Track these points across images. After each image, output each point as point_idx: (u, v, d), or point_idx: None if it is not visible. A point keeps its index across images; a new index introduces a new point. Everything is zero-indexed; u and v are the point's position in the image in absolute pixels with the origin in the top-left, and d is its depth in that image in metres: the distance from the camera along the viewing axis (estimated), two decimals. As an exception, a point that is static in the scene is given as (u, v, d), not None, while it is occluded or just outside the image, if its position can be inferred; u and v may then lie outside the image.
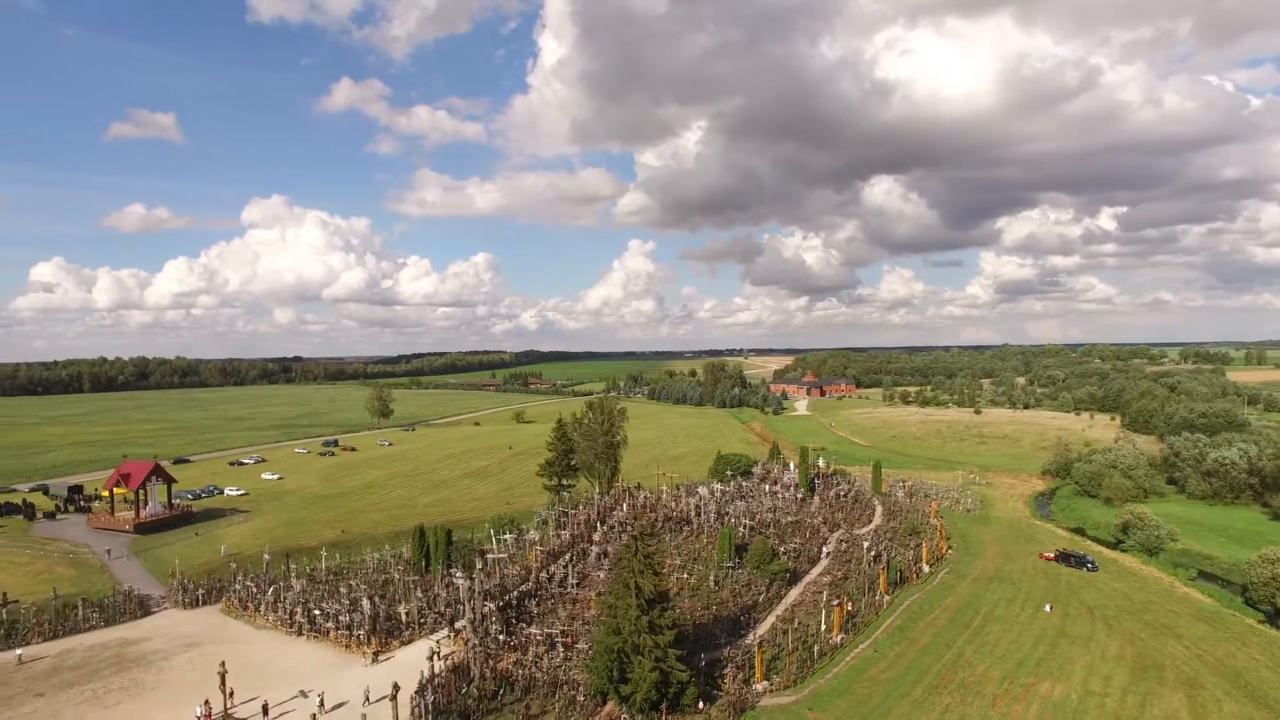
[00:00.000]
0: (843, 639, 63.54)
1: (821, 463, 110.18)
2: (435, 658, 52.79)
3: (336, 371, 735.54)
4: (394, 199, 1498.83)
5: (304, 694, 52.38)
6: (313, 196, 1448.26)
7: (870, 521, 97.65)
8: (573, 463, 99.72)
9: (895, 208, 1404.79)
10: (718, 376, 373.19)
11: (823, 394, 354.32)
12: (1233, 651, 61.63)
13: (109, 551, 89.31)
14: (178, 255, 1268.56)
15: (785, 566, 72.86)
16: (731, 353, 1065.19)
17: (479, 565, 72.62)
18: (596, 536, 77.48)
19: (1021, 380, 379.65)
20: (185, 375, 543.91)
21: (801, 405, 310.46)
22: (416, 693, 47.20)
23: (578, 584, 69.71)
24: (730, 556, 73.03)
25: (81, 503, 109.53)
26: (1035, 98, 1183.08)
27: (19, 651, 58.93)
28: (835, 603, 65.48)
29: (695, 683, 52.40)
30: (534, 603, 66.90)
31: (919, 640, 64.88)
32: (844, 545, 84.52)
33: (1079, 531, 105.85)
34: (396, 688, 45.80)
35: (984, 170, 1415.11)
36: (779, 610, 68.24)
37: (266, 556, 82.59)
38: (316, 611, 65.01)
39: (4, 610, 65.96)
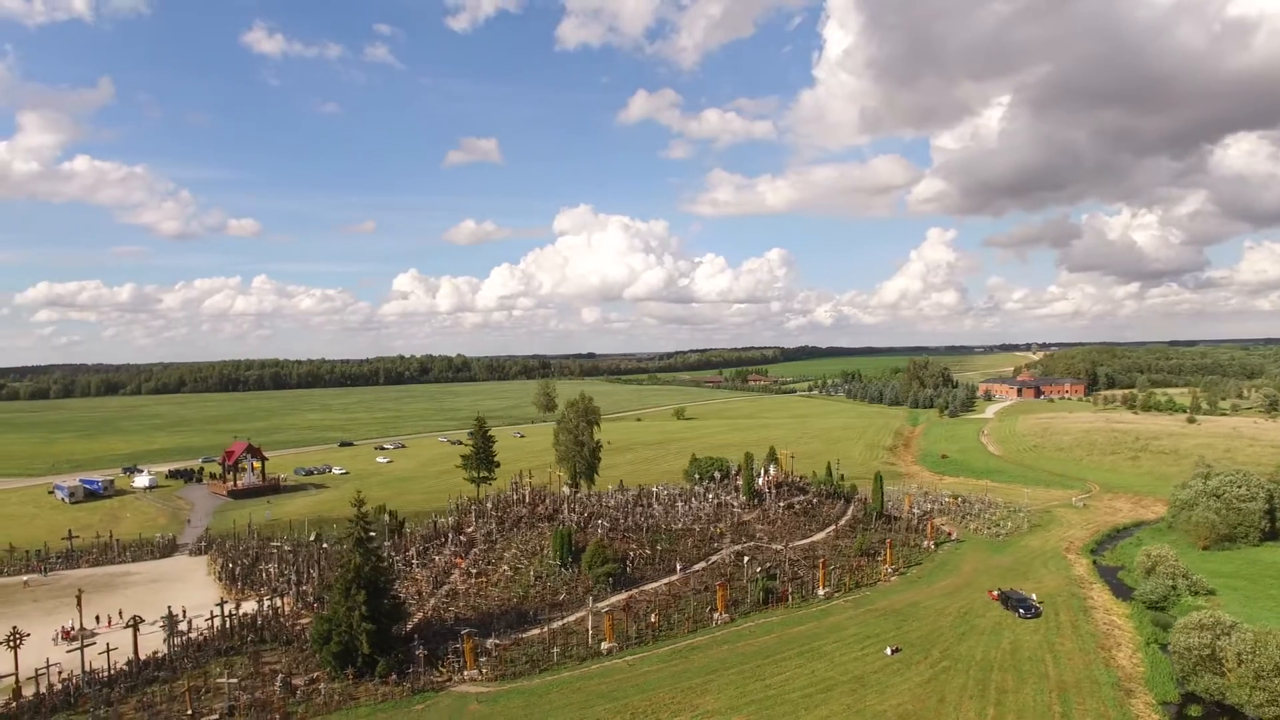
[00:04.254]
0: (611, 648, 63.12)
1: (772, 470, 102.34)
2: (224, 604, 65.16)
3: (590, 368, 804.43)
4: (687, 201, 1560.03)
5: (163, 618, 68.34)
6: (614, 203, 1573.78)
7: (813, 536, 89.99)
8: (493, 458, 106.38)
9: (1260, 170, 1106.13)
10: (916, 375, 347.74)
11: (1037, 395, 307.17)
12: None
13: (190, 518, 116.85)
14: (501, 263, 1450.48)
15: (611, 570, 72.90)
16: (1024, 347, 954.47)
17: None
18: (470, 528, 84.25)
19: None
20: (458, 371, 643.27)
21: (995, 408, 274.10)
22: (163, 626, 59.85)
23: (421, 565, 77.61)
24: (565, 555, 75.04)
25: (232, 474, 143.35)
26: None
27: (25, 578, 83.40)
28: (605, 610, 64.99)
29: (390, 659, 58.08)
30: (383, 580, 76.19)
31: (694, 662, 61.61)
32: (729, 558, 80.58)
33: (1112, 573, 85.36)
34: (137, 619, 58.62)
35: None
36: (581, 611, 69.13)
37: (251, 524, 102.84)
38: (233, 566, 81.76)
39: (70, 543, 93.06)
